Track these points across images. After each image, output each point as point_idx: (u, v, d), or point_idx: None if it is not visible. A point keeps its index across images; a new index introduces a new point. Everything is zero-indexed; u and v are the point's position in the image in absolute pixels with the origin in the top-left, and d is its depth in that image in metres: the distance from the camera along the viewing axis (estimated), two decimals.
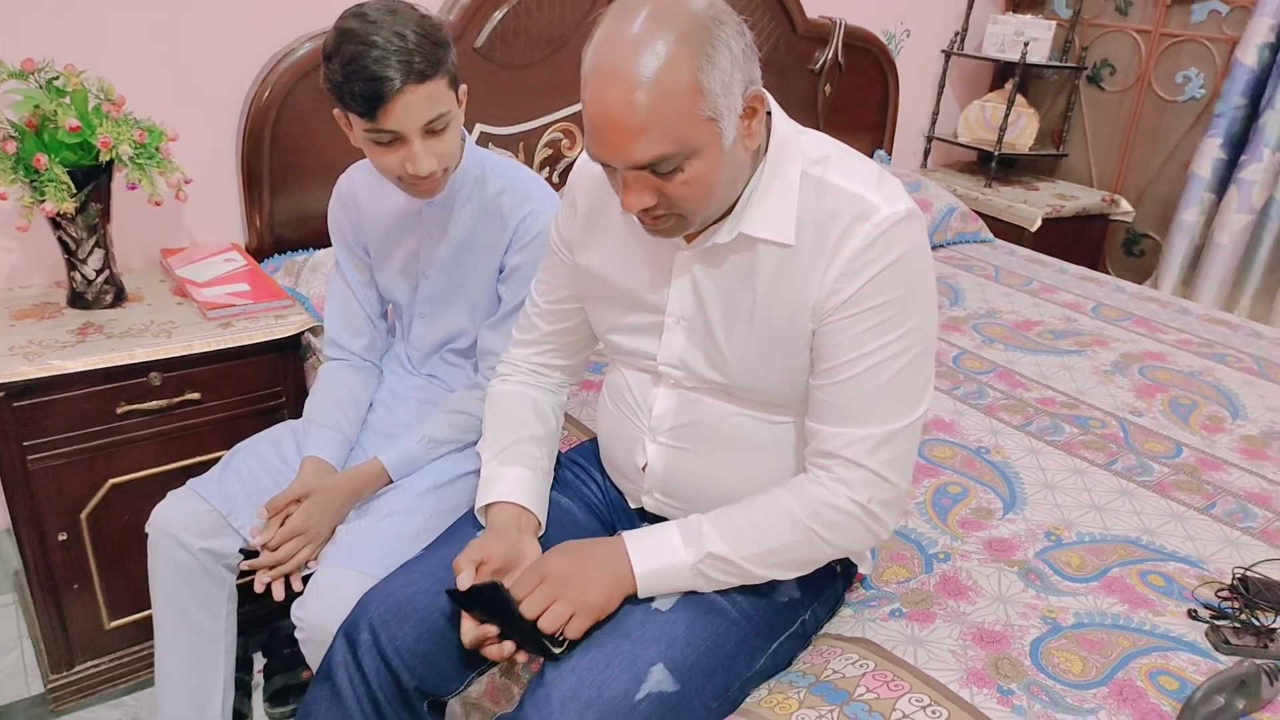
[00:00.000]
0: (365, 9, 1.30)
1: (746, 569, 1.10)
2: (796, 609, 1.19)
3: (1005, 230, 3.15)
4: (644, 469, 1.24)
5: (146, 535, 1.49)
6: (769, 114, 1.08)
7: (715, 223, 1.09)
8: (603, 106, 0.94)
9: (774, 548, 1.09)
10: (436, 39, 1.30)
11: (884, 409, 1.06)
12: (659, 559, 1.10)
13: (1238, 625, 1.28)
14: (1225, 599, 1.35)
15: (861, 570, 1.32)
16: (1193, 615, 1.32)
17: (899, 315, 1.03)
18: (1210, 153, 2.99)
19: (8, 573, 2.09)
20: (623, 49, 0.93)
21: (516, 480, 1.24)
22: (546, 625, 1.05)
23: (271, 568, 1.38)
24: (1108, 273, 3.22)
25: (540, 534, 1.23)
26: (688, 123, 0.94)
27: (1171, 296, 2.67)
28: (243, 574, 1.48)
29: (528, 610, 1.06)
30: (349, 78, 1.27)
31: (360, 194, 1.58)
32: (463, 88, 1.39)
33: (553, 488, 1.31)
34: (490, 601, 1.08)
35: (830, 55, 2.92)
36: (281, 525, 1.39)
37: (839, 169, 1.06)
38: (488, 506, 1.22)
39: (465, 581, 1.08)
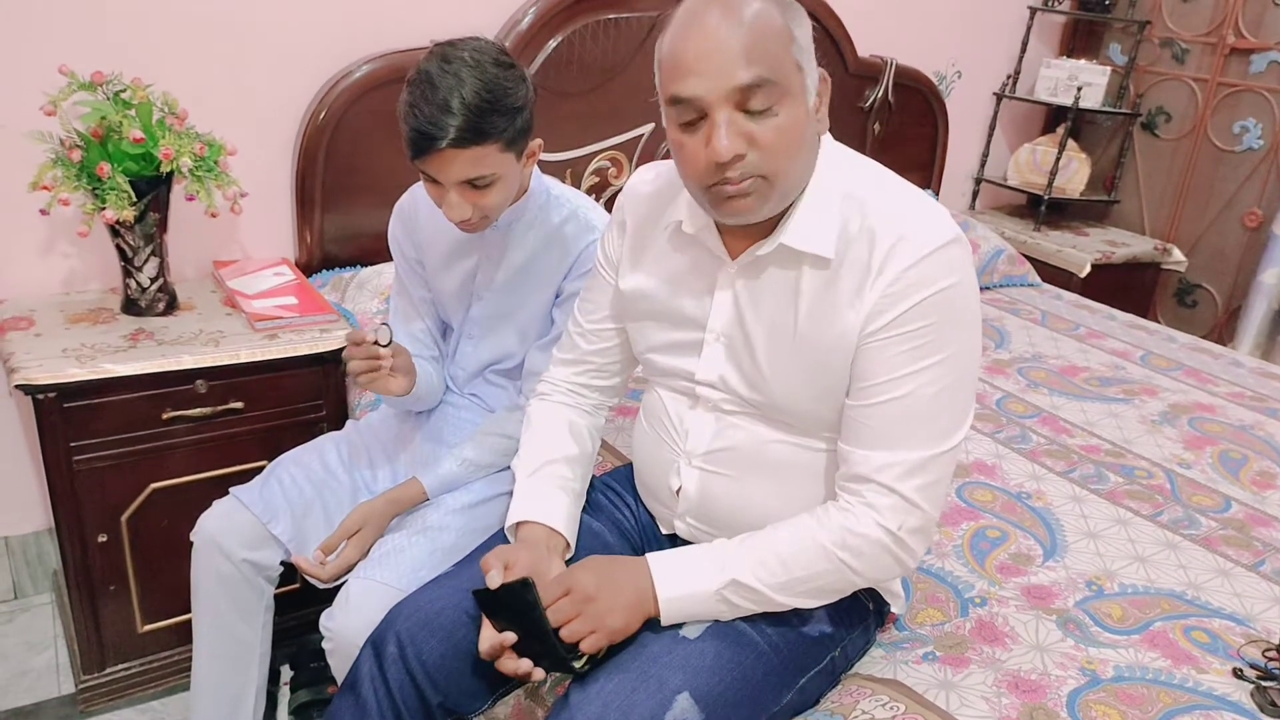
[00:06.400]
0: (451, 53, 1.30)
1: (771, 597, 1.09)
2: (827, 645, 1.17)
3: (1053, 275, 3.11)
4: (678, 492, 1.23)
5: (186, 541, 1.52)
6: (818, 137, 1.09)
7: (760, 239, 1.09)
8: (706, 32, 0.98)
9: (800, 576, 1.08)
10: (501, 105, 1.30)
11: (918, 434, 1.05)
12: (683, 585, 1.09)
13: None
14: (1272, 659, 1.31)
15: (894, 610, 1.30)
16: (1238, 675, 1.28)
17: (939, 340, 1.03)
18: None
19: (47, 572, 2.13)
20: None
21: (547, 501, 1.23)
22: (567, 637, 1.05)
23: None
24: (1158, 322, 3.16)
25: (568, 556, 1.22)
26: (783, 56, 0.99)
27: (1223, 349, 2.61)
28: (281, 581, 1.57)
29: (553, 618, 1.05)
30: (405, 117, 1.30)
31: (422, 212, 1.59)
32: (534, 143, 1.40)
33: (584, 510, 1.31)
34: (516, 604, 1.06)
35: (881, 94, 2.92)
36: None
37: (882, 191, 1.07)
38: (517, 525, 1.22)
39: (495, 580, 1.07)
